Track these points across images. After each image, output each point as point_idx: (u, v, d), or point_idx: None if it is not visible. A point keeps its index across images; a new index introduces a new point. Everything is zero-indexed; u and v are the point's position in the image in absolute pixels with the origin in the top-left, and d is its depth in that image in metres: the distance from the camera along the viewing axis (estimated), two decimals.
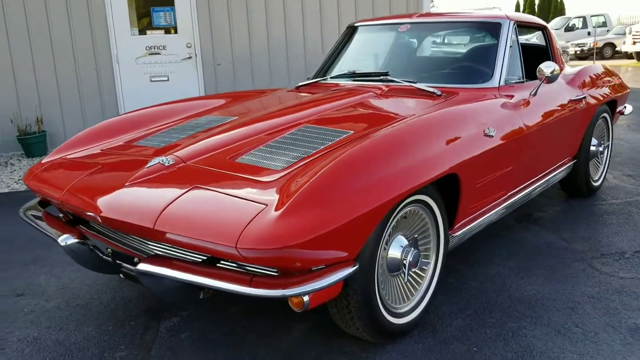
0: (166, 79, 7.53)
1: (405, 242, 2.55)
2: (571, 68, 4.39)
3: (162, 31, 7.51)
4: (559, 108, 3.77)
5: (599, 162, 4.63)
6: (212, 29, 7.55)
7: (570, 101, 3.90)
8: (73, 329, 2.82)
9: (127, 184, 2.45)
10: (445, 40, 3.80)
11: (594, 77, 4.33)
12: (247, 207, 2.12)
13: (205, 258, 2.27)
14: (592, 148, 4.41)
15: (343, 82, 3.76)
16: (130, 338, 2.71)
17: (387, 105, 3.21)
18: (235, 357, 2.51)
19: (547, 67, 3.43)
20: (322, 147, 2.52)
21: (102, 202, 2.41)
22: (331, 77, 3.86)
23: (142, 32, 7.46)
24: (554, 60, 4.11)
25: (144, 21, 7.48)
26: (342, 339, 2.59)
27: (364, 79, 3.67)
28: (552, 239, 3.71)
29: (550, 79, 3.46)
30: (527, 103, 3.45)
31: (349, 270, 2.15)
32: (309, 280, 2.07)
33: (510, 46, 3.55)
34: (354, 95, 3.36)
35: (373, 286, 2.34)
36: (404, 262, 2.52)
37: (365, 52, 3.98)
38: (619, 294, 2.96)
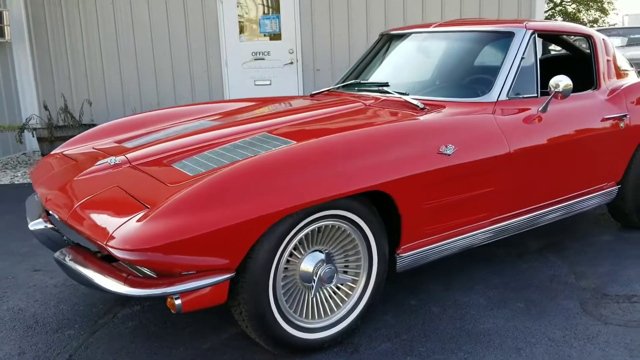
0: (269, 83, 7.89)
1: (321, 256, 2.51)
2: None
3: (268, 38, 7.88)
4: (585, 126, 3.39)
5: None
6: (313, 36, 7.76)
7: (605, 119, 3.48)
8: (52, 305, 3.16)
9: (74, 178, 2.71)
10: (460, 51, 3.58)
11: None
12: (132, 208, 2.26)
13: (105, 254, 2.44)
14: None
15: (349, 90, 3.73)
16: (87, 319, 2.97)
17: (361, 117, 3.14)
18: (153, 349, 2.66)
19: (557, 82, 3.12)
20: (251, 155, 2.54)
21: (49, 193, 2.71)
22: (342, 86, 3.84)
23: (249, 38, 7.90)
24: (597, 73, 3.68)
25: (252, 28, 7.91)
26: (260, 347, 2.61)
27: (365, 89, 3.60)
28: (561, 272, 3.35)
29: (563, 95, 3.13)
30: (537, 119, 3.17)
31: (218, 278, 2.19)
32: (174, 284, 2.15)
33: (523, 58, 3.27)
34: (340, 105, 3.34)
35: (266, 297, 2.35)
36: (314, 277, 2.48)
37: (384, 61, 3.89)
38: (588, 340, 2.62)
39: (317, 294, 2.57)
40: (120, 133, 3.46)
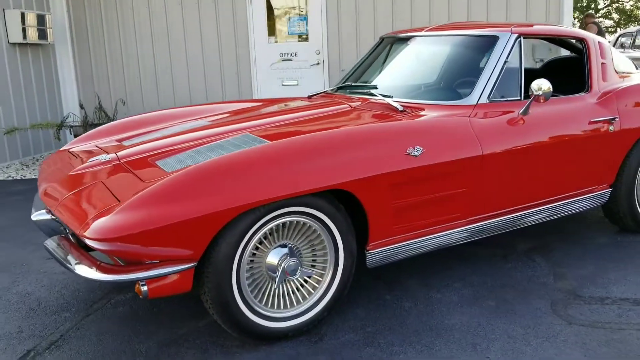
0: (296, 83, 8.08)
1: (286, 250, 2.67)
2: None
3: (295, 39, 8.07)
4: (570, 129, 3.42)
5: None
6: (339, 37, 7.90)
7: (593, 122, 3.50)
8: (56, 290, 3.42)
9: (68, 173, 2.96)
10: (446, 54, 3.66)
11: None
12: (107, 202, 2.47)
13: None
14: None
15: (343, 92, 3.86)
16: (84, 304, 3.22)
17: (342, 119, 3.27)
18: (135, 333, 2.87)
19: (538, 85, 3.18)
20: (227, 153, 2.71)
21: (46, 186, 2.96)
22: (338, 88, 3.98)
23: (277, 40, 8.11)
24: (589, 76, 3.69)
25: (280, 30, 8.12)
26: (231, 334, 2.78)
27: (357, 91, 3.73)
28: (541, 273, 3.40)
29: (544, 98, 3.19)
30: (518, 122, 3.23)
31: (180, 267, 2.38)
32: (138, 271, 2.36)
33: (506, 61, 3.34)
34: (327, 107, 3.49)
35: (229, 287, 2.52)
36: (278, 269, 2.64)
37: (379, 64, 4.00)
38: (546, 339, 2.68)
39: (285, 286, 2.73)
40: (125, 132, 3.68)
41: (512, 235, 3.96)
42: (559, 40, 4.15)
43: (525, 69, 4.40)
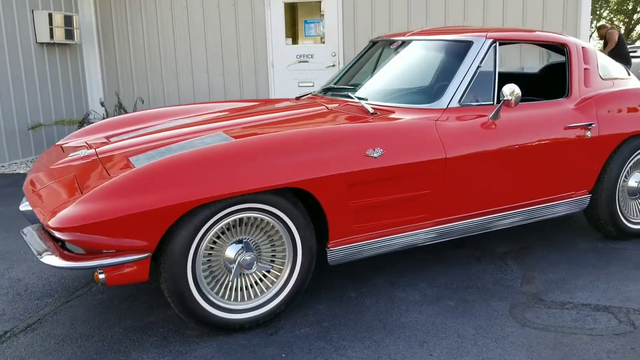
0: (312, 84, 8.18)
1: (242, 245, 2.79)
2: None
3: (312, 41, 8.19)
4: (543, 134, 3.44)
5: None
6: (355, 40, 7.97)
7: (569, 128, 3.50)
8: (45, 277, 3.62)
9: (50, 167, 3.15)
10: (422, 59, 3.72)
11: (628, 102, 3.75)
12: (72, 194, 2.64)
13: None
14: (633, 184, 3.84)
15: (327, 94, 3.96)
16: (67, 290, 3.41)
17: (315, 120, 3.36)
18: (106, 319, 3.03)
19: (507, 90, 3.22)
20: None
21: (30, 178, 3.16)
22: (324, 90, 4.08)
23: (294, 42, 8.25)
24: (570, 81, 3.69)
25: (296, 32, 8.26)
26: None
27: (338, 94, 3.83)
28: (511, 277, 3.42)
29: (514, 102, 3.22)
30: (488, 126, 3.28)
31: (133, 257, 2.52)
32: (94, 259, 2.51)
33: (479, 66, 3.38)
34: (305, 108, 3.59)
35: (184, 278, 2.65)
36: (234, 263, 2.76)
37: (363, 67, 4.08)
38: (494, 340, 2.72)
39: (244, 279, 2.84)
40: (117, 128, 3.86)
41: (493, 238, 4.00)
42: (550, 45, 4.14)
43: (523, 74, 4.42)
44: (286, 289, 2.91)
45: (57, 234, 2.50)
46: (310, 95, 4.13)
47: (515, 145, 3.35)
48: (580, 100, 3.65)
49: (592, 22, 23.02)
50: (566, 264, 3.59)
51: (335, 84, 4.10)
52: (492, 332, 2.80)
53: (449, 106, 3.28)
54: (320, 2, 8.06)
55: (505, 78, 4.59)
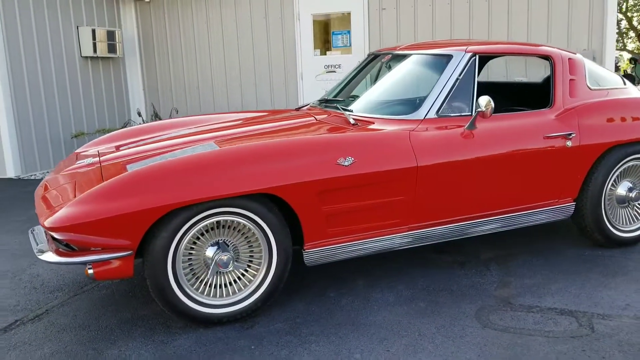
0: None
1: (224, 245, 3.05)
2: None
3: (339, 52, 8.43)
4: (521, 143, 3.56)
5: (638, 209, 4.01)
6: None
7: (548, 137, 3.60)
8: (61, 274, 3.98)
9: (60, 173, 3.50)
10: (405, 72, 3.90)
11: (612, 112, 3.81)
12: (68, 198, 2.96)
13: None
14: (622, 192, 3.89)
15: (321, 105, 4.19)
16: (77, 285, 3.75)
17: (300, 130, 3.60)
18: (105, 312, 3.35)
19: (481, 102, 3.37)
20: None
21: (42, 184, 3.51)
22: (319, 101, 4.31)
23: (322, 53, 8.51)
24: (554, 92, 3.79)
25: (324, 43, 8.52)
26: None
27: (330, 105, 4.05)
28: (487, 281, 3.55)
29: (488, 113, 3.37)
30: (465, 136, 3.43)
31: (116, 254, 2.81)
32: (82, 256, 2.82)
33: (458, 79, 3.54)
34: (296, 119, 3.84)
35: (165, 275, 2.92)
36: (212, 262, 3.02)
37: (356, 79, 4.29)
38: (451, 338, 2.88)
39: (223, 277, 3.10)
40: (127, 138, 4.20)
41: (480, 244, 4.13)
42: (535, 56, 4.23)
43: (526, 84, 4.53)
44: (262, 287, 3.14)
45: (51, 233, 2.83)
46: (309, 106, 4.36)
47: (492, 154, 3.48)
48: (563, 110, 3.74)
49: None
50: (547, 270, 3.68)
51: (334, 95, 4.32)
52: (453, 331, 2.95)
53: (426, 117, 3.45)
54: (349, 13, 8.29)
55: (508, 89, 4.73)
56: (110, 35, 8.60)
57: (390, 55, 4.11)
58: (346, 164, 3.12)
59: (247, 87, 8.84)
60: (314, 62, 8.50)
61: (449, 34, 7.87)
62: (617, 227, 3.94)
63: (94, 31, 8.26)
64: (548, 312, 3.13)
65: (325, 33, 8.52)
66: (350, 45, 8.34)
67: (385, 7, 8.09)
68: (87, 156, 3.80)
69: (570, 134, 3.64)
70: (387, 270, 3.76)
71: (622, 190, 3.91)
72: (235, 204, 2.98)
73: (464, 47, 3.64)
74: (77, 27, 8.22)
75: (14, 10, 7.21)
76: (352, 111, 3.71)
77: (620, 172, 3.89)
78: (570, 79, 3.85)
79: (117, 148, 3.95)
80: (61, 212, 2.79)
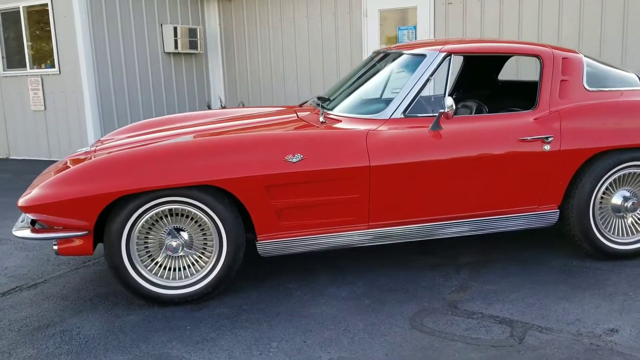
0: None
1: (173, 231, 3.29)
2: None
3: None
4: (490, 146, 3.46)
5: (637, 220, 3.72)
6: None
7: (523, 141, 3.47)
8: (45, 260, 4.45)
9: (65, 158, 3.93)
10: (382, 71, 3.88)
11: (604, 115, 3.56)
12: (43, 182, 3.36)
13: None
14: (616, 201, 3.65)
15: (312, 102, 4.30)
16: (80, 261, 4.18)
17: (274, 126, 3.75)
18: (90, 285, 3.73)
19: (445, 102, 3.34)
20: None
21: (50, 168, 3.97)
22: (317, 98, 4.41)
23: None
24: (540, 93, 3.61)
25: (390, 38, 8.51)
26: None
27: (319, 103, 4.15)
28: (448, 284, 3.50)
29: (450, 114, 3.33)
30: (432, 137, 3.42)
31: (72, 233, 3.15)
32: (47, 233, 3.19)
33: (429, 79, 3.51)
34: (280, 115, 4.01)
35: (119, 255, 3.22)
36: (163, 247, 3.28)
37: (355, 77, 4.34)
38: (370, 335, 2.91)
39: (179, 261, 3.34)
40: (146, 128, 4.57)
41: (462, 248, 4.06)
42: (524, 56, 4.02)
43: (526, 83, 4.38)
44: (212, 273, 3.34)
45: (23, 212, 3.22)
46: (308, 103, 4.49)
47: (457, 156, 3.42)
48: (548, 112, 3.56)
49: None
50: (516, 278, 3.55)
51: (331, 93, 4.41)
52: (378, 330, 2.98)
53: (391, 117, 3.46)
54: (416, 8, 8.22)
55: (516, 87, 4.56)
56: (192, 33, 9.17)
57: (379, 55, 4.12)
58: (294, 160, 3.23)
59: (316, 83, 9.04)
60: None
61: (516, 31, 7.56)
62: (611, 238, 3.69)
63: (175, 29, 8.86)
64: (487, 319, 3.05)
65: (392, 28, 8.50)
66: (415, 40, 8.26)
67: (452, 2, 7.93)
68: (97, 143, 4.21)
69: (547, 138, 3.47)
70: (356, 267, 3.82)
71: (617, 199, 3.66)
72: (185, 194, 3.21)
73: (440, 47, 3.59)
74: (161, 24, 8.86)
75: (101, 7, 7.92)
76: (331, 110, 3.80)
77: (615, 180, 3.64)
78: (562, 80, 3.65)
79: (128, 137, 4.32)
80: (32, 194, 3.18)
